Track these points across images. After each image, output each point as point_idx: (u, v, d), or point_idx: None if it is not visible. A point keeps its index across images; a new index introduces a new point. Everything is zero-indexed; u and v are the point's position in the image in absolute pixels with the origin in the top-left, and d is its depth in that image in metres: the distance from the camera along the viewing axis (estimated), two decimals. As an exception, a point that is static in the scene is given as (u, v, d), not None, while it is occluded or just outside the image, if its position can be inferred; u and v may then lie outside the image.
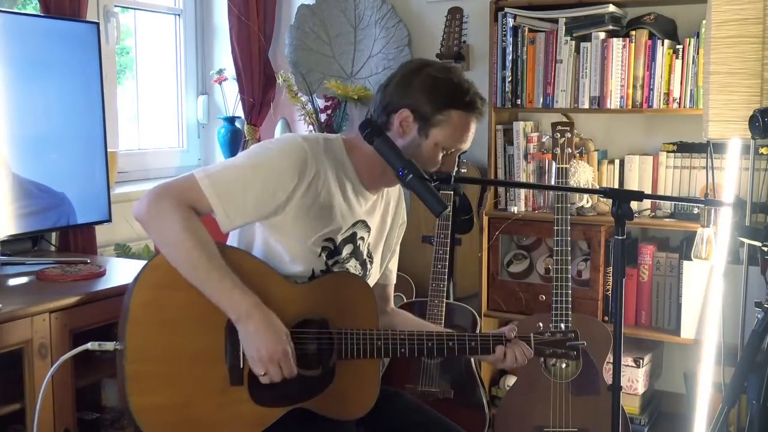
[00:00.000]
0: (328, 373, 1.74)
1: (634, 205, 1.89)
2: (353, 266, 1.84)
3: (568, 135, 2.87)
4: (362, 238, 1.85)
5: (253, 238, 1.77)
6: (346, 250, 1.81)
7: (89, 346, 1.71)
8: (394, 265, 2.06)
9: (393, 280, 2.07)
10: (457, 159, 1.83)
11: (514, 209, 3.19)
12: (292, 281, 1.75)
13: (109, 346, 1.67)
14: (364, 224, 1.85)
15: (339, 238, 1.79)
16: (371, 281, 1.92)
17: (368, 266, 1.89)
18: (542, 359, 1.86)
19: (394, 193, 1.98)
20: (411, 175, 1.64)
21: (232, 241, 1.84)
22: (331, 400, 1.75)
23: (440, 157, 1.77)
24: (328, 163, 1.75)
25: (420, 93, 1.74)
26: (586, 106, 3.05)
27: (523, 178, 3.20)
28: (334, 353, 1.73)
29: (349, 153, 1.81)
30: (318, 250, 1.76)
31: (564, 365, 2.77)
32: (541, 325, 1.94)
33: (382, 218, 1.93)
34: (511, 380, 3.14)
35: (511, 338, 1.82)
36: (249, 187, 1.66)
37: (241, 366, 1.66)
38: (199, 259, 1.61)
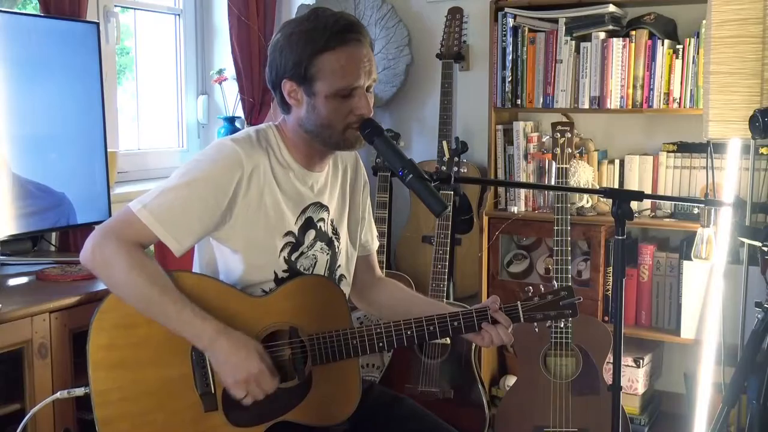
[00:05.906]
0: (304, 381, 1.69)
1: (634, 205, 1.87)
2: (320, 249, 1.80)
3: (568, 135, 2.87)
4: (322, 219, 1.80)
5: (212, 256, 1.74)
6: (308, 237, 1.77)
7: (58, 395, 1.73)
8: (371, 235, 2.00)
9: (374, 248, 2.02)
10: (372, 98, 1.71)
11: (514, 209, 3.19)
12: (254, 295, 1.71)
13: (79, 392, 1.67)
14: (318, 205, 1.80)
15: (296, 228, 1.75)
16: (343, 257, 1.87)
17: (335, 243, 1.84)
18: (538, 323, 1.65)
19: (350, 158, 1.92)
20: (411, 175, 1.62)
21: (194, 264, 1.80)
22: (312, 409, 1.71)
23: (345, 105, 1.67)
24: (265, 155, 1.71)
25: (286, 57, 1.67)
26: (586, 106, 3.05)
27: (523, 178, 3.20)
28: (309, 360, 1.68)
29: (283, 138, 1.77)
30: (278, 248, 1.72)
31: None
32: (530, 288, 1.78)
33: (341, 190, 1.88)
34: (511, 380, 3.14)
35: (496, 310, 1.72)
36: (189, 205, 1.62)
37: (213, 391, 1.64)
38: (152, 296, 1.59)
